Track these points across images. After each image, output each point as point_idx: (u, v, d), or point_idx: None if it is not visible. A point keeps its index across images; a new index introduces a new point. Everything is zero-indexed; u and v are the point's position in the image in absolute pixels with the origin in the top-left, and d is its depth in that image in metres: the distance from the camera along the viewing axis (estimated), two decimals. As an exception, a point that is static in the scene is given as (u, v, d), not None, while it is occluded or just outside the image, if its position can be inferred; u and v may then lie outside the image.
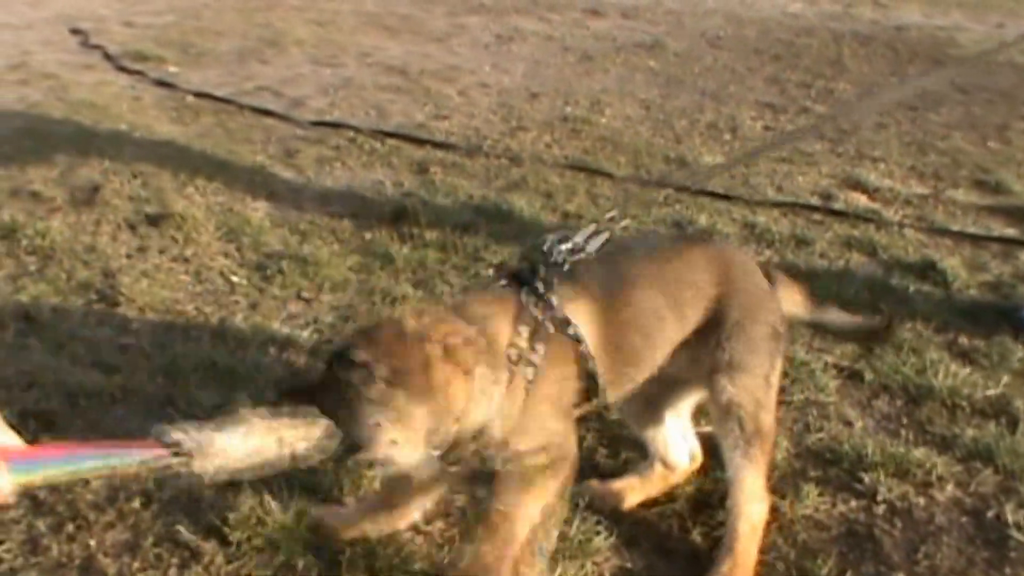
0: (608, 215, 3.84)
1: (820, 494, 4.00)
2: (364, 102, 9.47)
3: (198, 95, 9.30)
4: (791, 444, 4.29)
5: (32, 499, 3.76)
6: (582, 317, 3.36)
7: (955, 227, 7.01)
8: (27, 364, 4.62)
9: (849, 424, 4.55)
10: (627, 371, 3.52)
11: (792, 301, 3.95)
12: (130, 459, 2.78)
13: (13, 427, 4.11)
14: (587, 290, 3.43)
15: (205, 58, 10.87)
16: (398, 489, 3.60)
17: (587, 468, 3.90)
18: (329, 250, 5.91)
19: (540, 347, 3.24)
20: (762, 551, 3.65)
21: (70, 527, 3.63)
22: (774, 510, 3.78)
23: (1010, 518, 3.97)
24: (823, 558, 3.66)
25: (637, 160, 8.03)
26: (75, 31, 11.56)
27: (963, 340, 5.34)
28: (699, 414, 4.34)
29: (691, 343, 3.61)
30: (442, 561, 3.57)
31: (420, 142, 8.16)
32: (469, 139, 8.37)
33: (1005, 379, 4.94)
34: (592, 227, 3.60)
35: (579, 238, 3.54)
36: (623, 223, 3.67)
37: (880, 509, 3.97)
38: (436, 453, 3.13)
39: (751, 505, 3.59)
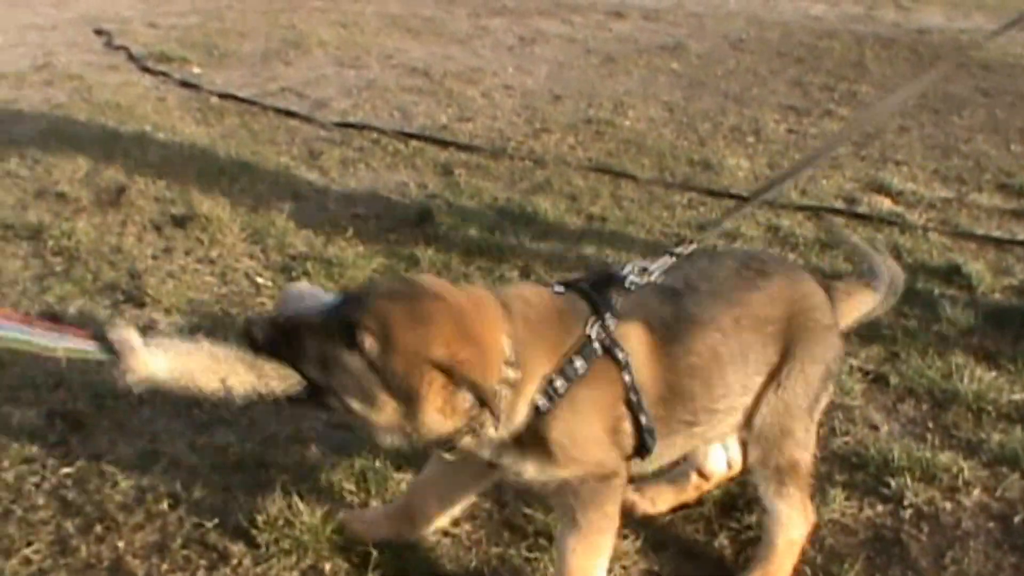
0: (683, 246, 3.58)
1: (847, 498, 4.00)
2: (388, 104, 9.48)
3: (222, 96, 9.32)
4: (817, 448, 4.26)
5: (61, 500, 3.78)
6: (635, 347, 3.22)
7: (979, 231, 7.00)
8: (53, 365, 4.60)
9: (875, 428, 4.56)
10: (681, 416, 3.35)
11: (853, 307, 3.80)
12: (57, 344, 2.80)
13: (40, 428, 4.17)
14: (647, 322, 3.28)
15: (229, 59, 10.89)
16: (425, 494, 3.60)
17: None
18: (354, 251, 5.92)
19: (580, 363, 3.13)
20: (789, 556, 3.66)
21: (99, 528, 3.65)
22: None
23: (1037, 523, 3.96)
24: (850, 562, 3.67)
25: (661, 163, 8.03)
26: (99, 32, 11.59)
27: (988, 344, 5.33)
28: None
29: (750, 383, 3.45)
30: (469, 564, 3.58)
31: (444, 144, 8.17)
32: (493, 141, 8.37)
33: (1031, 383, 4.91)
34: (667, 259, 3.46)
35: (652, 266, 3.40)
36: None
37: (907, 514, 3.97)
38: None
39: (789, 529, 3.54)
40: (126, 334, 2.88)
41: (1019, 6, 9.36)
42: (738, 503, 3.92)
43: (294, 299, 3.22)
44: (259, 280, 5.57)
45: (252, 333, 2.99)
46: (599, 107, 9.77)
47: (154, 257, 5.80)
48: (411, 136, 8.33)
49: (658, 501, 3.90)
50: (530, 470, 3.18)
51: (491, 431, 3.07)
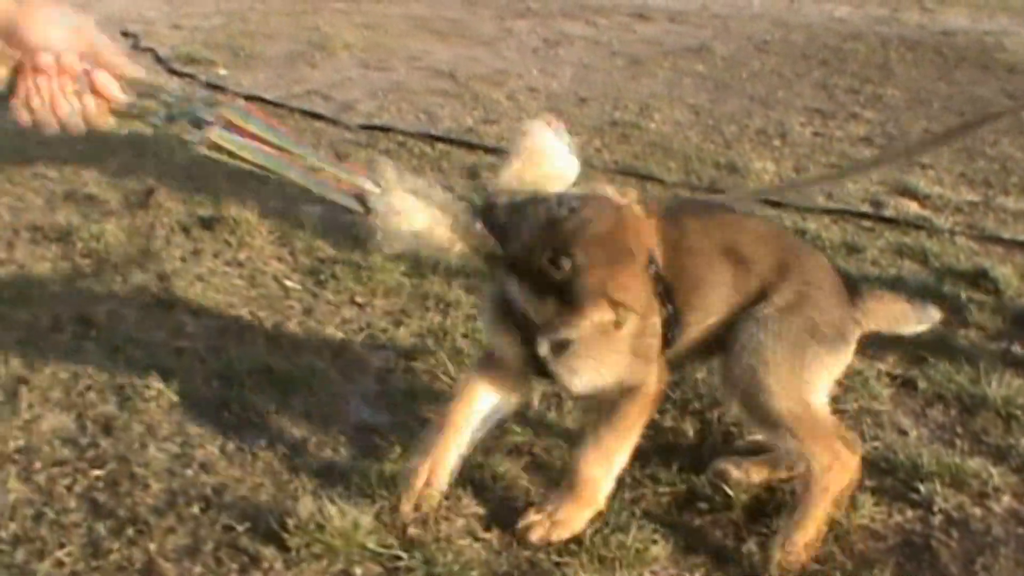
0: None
1: (876, 504, 3.98)
2: (413, 106, 9.50)
3: (248, 98, 9.31)
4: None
5: (92, 503, 3.79)
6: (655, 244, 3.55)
7: (1006, 235, 6.99)
8: (84, 367, 4.64)
9: (904, 433, 4.54)
10: (695, 313, 3.66)
11: (887, 317, 3.98)
12: (319, 187, 3.00)
13: (71, 430, 4.19)
14: (662, 222, 3.60)
15: (254, 61, 10.92)
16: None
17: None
18: (382, 255, 5.91)
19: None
20: (819, 561, 3.67)
21: (130, 531, 3.65)
22: (833, 521, 3.79)
23: (1067, 530, 3.95)
24: (880, 568, 3.65)
25: (687, 166, 8.03)
26: (126, 34, 11.62)
27: (1017, 349, 5.32)
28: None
29: (731, 299, 3.72)
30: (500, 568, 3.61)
31: (470, 147, 8.17)
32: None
33: (1060, 388, 4.90)
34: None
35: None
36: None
37: (937, 520, 3.96)
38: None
39: (817, 477, 3.66)
40: (395, 199, 3.19)
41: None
42: (767, 508, 3.91)
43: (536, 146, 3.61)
44: (287, 283, 5.58)
45: (494, 213, 3.39)
46: (624, 109, 9.78)
47: (183, 260, 5.81)
48: (437, 139, 8.35)
49: (752, 472, 4.04)
50: (574, 380, 3.55)
51: None
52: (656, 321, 3.55)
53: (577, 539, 3.65)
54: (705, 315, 3.69)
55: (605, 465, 3.66)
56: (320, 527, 3.58)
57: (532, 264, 3.29)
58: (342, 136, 8.37)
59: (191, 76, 9.96)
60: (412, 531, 3.69)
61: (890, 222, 7.07)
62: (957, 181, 8.12)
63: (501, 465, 4.07)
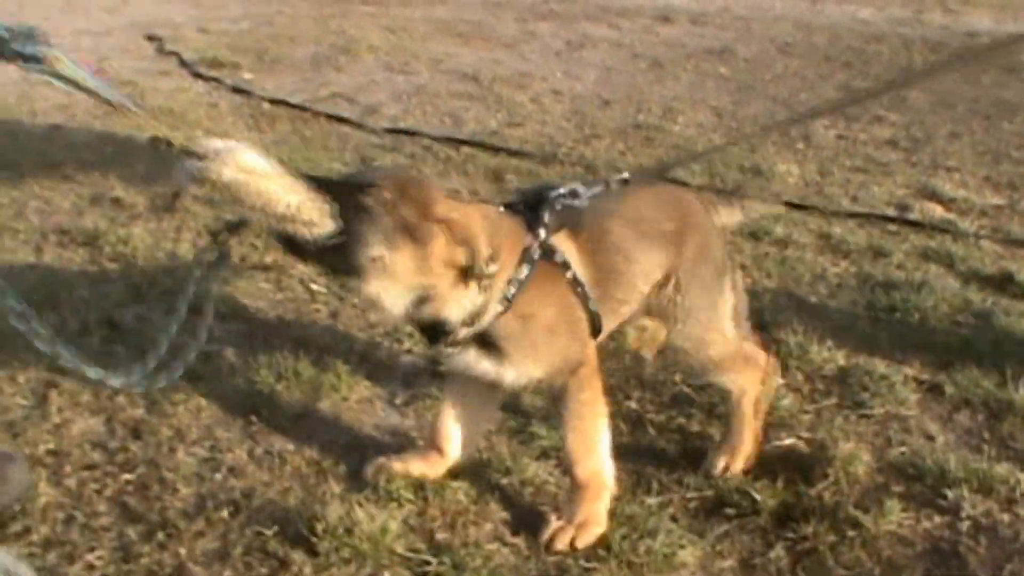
0: (621, 176, 4.08)
1: (904, 510, 3.96)
2: (437, 109, 9.53)
3: (274, 102, 9.38)
4: (873, 458, 4.27)
5: (123, 507, 3.82)
6: (569, 247, 3.70)
7: (1032, 238, 6.98)
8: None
9: (931, 439, 4.52)
10: (615, 296, 3.85)
11: (731, 213, 4.34)
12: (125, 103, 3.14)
13: (101, 434, 4.21)
14: (575, 225, 3.74)
15: (279, 65, 10.96)
16: (448, 425, 4.00)
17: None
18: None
19: (525, 269, 3.56)
20: (847, 567, 3.68)
21: (160, 535, 3.67)
22: (858, 526, 3.81)
23: (1095, 536, 3.94)
24: (908, 575, 3.66)
25: (711, 169, 8.02)
26: (151, 38, 11.67)
27: (1044, 353, 5.31)
28: (776, 428, 4.40)
29: (652, 271, 3.94)
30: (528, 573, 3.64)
31: (495, 150, 8.18)
32: (543, 147, 8.39)
33: (1087, 393, 4.88)
34: (599, 184, 3.93)
35: (582, 190, 3.82)
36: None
37: (964, 526, 3.93)
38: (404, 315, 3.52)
39: (747, 391, 4.14)
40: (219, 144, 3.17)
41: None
42: (795, 513, 3.91)
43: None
44: (313, 287, 5.59)
45: (308, 181, 3.29)
46: (648, 112, 9.79)
47: (209, 264, 5.82)
48: (461, 142, 8.37)
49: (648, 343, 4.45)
50: (508, 375, 3.63)
51: (461, 323, 3.52)
52: (577, 311, 3.72)
53: (605, 544, 3.66)
54: (627, 294, 3.90)
55: (594, 453, 3.78)
56: (349, 531, 3.60)
57: (360, 209, 3.30)
58: (367, 140, 8.39)
59: (216, 80, 10.00)
60: (440, 535, 3.71)
61: (915, 225, 7.05)
62: (982, 184, 8.09)
63: (528, 470, 4.08)
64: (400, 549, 3.60)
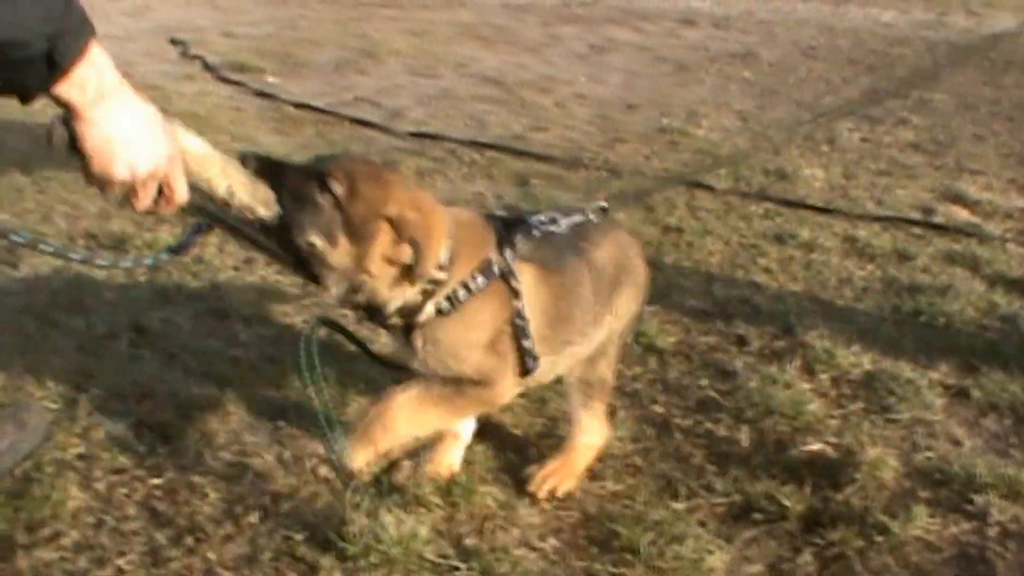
0: (597, 205, 4.13)
1: (931, 515, 3.96)
2: (462, 113, 9.55)
3: (298, 106, 9.40)
4: (900, 463, 4.26)
5: (151, 511, 3.82)
6: (528, 281, 3.69)
7: (1058, 241, 6.96)
8: (140, 375, 4.68)
9: (957, 443, 4.52)
10: (562, 337, 3.84)
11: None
12: None
13: (129, 439, 4.22)
14: (540, 260, 3.75)
15: (304, 69, 11.00)
16: None
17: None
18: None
19: (480, 280, 3.59)
20: (874, 572, 3.67)
21: (189, 540, 3.67)
22: (886, 531, 3.81)
23: (1123, 541, 3.93)
24: (936, 580, 3.67)
25: (736, 172, 8.02)
26: (175, 42, 11.70)
27: (1071, 357, 5.29)
28: (803, 433, 4.39)
29: (601, 314, 3.96)
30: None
31: (519, 154, 8.19)
32: (568, 151, 8.41)
33: (1115, 398, 4.87)
34: (578, 216, 3.97)
35: (563, 220, 3.89)
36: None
37: (992, 531, 3.93)
38: (341, 297, 3.59)
39: (588, 434, 4.14)
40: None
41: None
42: (822, 518, 3.91)
43: None
44: (340, 292, 5.60)
45: (246, 163, 3.34)
46: (672, 116, 9.81)
47: (235, 268, 5.84)
48: (486, 146, 8.39)
49: None
50: (429, 363, 3.63)
51: (394, 312, 3.57)
52: (508, 330, 3.69)
53: (633, 549, 3.67)
54: (572, 337, 3.88)
55: (409, 419, 3.66)
56: (377, 536, 3.59)
57: (308, 198, 3.37)
58: (392, 144, 8.41)
59: (241, 84, 10.03)
60: (469, 541, 3.71)
61: (940, 229, 7.04)
62: (1007, 187, 8.09)
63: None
64: (429, 554, 3.60)
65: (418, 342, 3.61)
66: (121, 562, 3.57)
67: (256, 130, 8.58)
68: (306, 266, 3.51)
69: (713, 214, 7.06)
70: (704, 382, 4.77)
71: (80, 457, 4.10)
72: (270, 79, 10.42)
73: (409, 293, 3.51)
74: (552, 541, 3.78)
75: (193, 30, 12.47)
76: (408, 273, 3.46)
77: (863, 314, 5.67)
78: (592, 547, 3.75)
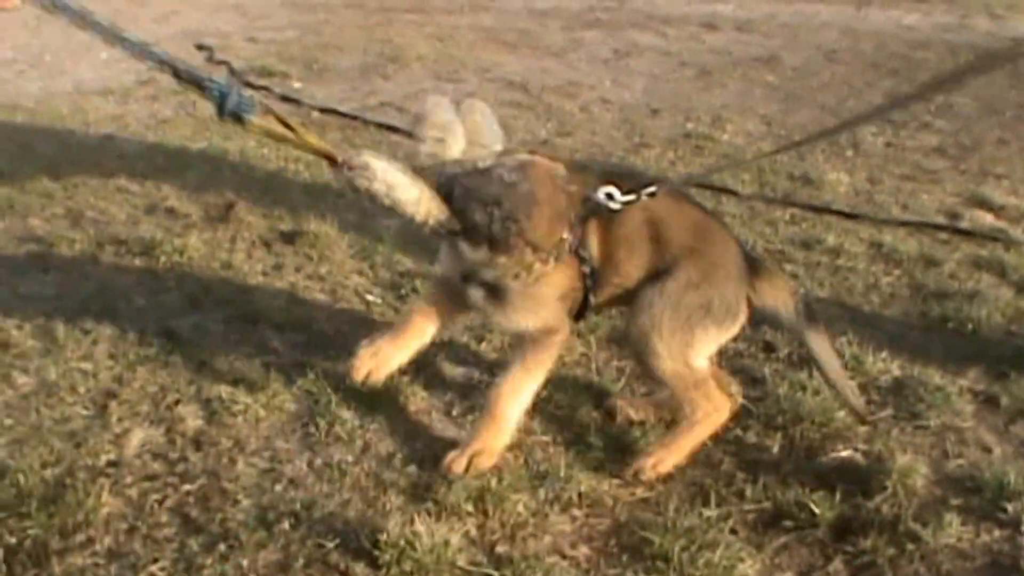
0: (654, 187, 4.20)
1: (963, 523, 3.94)
2: (487, 118, 9.54)
3: (323, 111, 9.43)
4: (930, 471, 4.25)
5: (184, 517, 3.84)
6: (592, 240, 4.14)
7: (1085, 247, 6.94)
8: (171, 381, 4.70)
9: (988, 451, 4.51)
10: (612, 279, 4.22)
11: (774, 298, 4.36)
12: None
13: (161, 444, 4.24)
14: (600, 217, 4.12)
15: (328, 73, 11.02)
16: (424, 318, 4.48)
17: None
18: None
19: (554, 261, 4.05)
20: (906, 580, 3.67)
21: (222, 546, 3.69)
22: (917, 539, 3.81)
23: None
24: (968, 588, 3.67)
25: (761, 178, 8.01)
26: (200, 47, 11.73)
27: (1099, 364, 5.28)
28: (833, 440, 4.40)
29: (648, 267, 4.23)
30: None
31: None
32: (594, 156, 8.39)
33: None
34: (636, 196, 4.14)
35: (623, 197, 4.10)
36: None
37: (1025, 539, 3.94)
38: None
39: (694, 417, 4.28)
40: (367, 157, 3.92)
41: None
42: (853, 526, 3.91)
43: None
44: (369, 298, 5.62)
45: (454, 190, 3.98)
46: (697, 121, 9.79)
47: (264, 274, 5.87)
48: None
49: (640, 411, 4.60)
50: (505, 319, 4.20)
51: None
52: (573, 282, 4.17)
53: (665, 557, 3.67)
54: (622, 281, 4.23)
55: (516, 400, 4.21)
56: (411, 544, 3.60)
57: (482, 231, 3.95)
58: (418, 148, 8.37)
59: (266, 89, 10.05)
60: (501, 548, 3.72)
61: (966, 234, 7.03)
62: (1032, 192, 8.06)
63: (586, 482, 4.10)
64: (462, 562, 3.61)
65: (503, 297, 4.10)
66: (154, 568, 3.60)
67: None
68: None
69: (738, 219, 7.05)
70: (734, 389, 4.77)
71: (112, 464, 4.13)
72: (295, 84, 10.45)
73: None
74: (584, 549, 3.79)
75: (218, 35, 12.49)
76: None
77: (890, 320, 5.66)
78: (623, 554, 3.76)
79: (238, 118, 4.15)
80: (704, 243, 4.23)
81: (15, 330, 5.06)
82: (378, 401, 4.58)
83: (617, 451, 4.33)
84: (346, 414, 4.49)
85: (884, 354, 5.15)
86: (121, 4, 13.46)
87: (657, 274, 4.18)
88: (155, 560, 3.63)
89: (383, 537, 3.63)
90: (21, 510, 3.76)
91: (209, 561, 3.63)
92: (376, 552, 3.60)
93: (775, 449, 4.39)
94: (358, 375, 4.22)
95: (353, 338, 4.96)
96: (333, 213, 6.65)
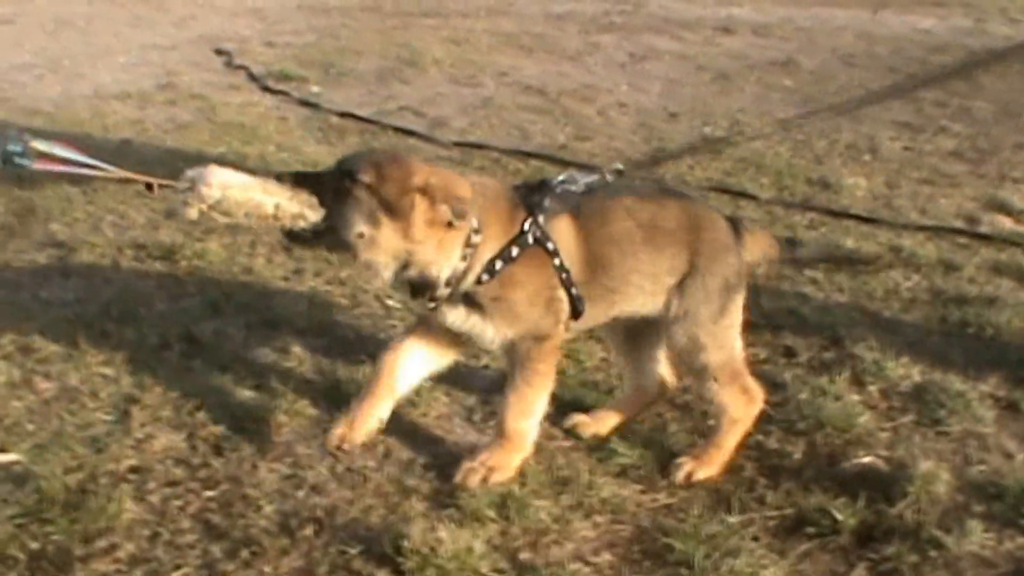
0: (614, 166, 4.48)
1: (985, 530, 3.93)
2: (504, 122, 9.57)
3: (342, 115, 9.44)
4: (953, 477, 4.24)
5: (206, 524, 3.85)
6: (563, 233, 4.10)
7: (1106, 251, 6.91)
8: (193, 386, 4.71)
9: (1010, 457, 4.49)
10: (602, 281, 4.19)
11: (761, 248, 4.51)
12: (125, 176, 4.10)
13: (183, 451, 4.25)
14: (572, 210, 4.14)
15: (346, 78, 11.04)
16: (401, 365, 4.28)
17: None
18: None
19: (515, 250, 4.00)
20: (928, 587, 3.66)
21: (245, 553, 3.69)
22: (940, 546, 3.79)
23: None
24: (991, 596, 3.66)
25: (779, 182, 8.01)
26: (219, 52, 11.76)
27: (1121, 369, 5.26)
28: (854, 446, 4.39)
29: (660, 279, 4.25)
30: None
31: (564, 163, 8.15)
32: (612, 160, 8.37)
33: None
34: (595, 175, 4.35)
35: (581, 178, 4.28)
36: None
37: (1047, 547, 3.92)
38: (393, 278, 3.99)
39: (729, 410, 4.30)
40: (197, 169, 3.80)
41: None
42: (876, 533, 3.90)
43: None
44: (388, 302, 5.62)
45: (282, 180, 3.83)
46: (714, 124, 9.80)
47: (285, 278, 5.88)
48: (530, 155, 8.41)
49: (606, 422, 4.57)
50: (488, 332, 4.07)
51: (444, 282, 3.96)
52: (547, 280, 4.09)
53: (688, 563, 3.67)
54: (615, 283, 4.21)
55: (528, 415, 4.16)
56: (433, 550, 3.60)
57: (345, 193, 3.81)
58: (436, 153, 8.42)
59: (285, 93, 10.08)
60: (523, 555, 3.72)
61: (985, 239, 7.00)
62: (1052, 196, 8.03)
63: (608, 488, 4.10)
64: (485, 569, 3.61)
65: (481, 307, 4.01)
66: (177, 575, 3.60)
67: (301, 140, 8.63)
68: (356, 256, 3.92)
69: (758, 224, 7.02)
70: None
71: (134, 469, 4.14)
72: (314, 88, 10.48)
73: (454, 258, 3.93)
74: (606, 555, 3.79)
75: (236, 40, 12.54)
76: (450, 227, 3.87)
77: (910, 325, 5.65)
78: (646, 561, 3.76)
79: (16, 165, 4.14)
80: (699, 229, 4.28)
81: (37, 335, 5.08)
82: (400, 407, 4.57)
83: (643, 457, 4.34)
84: (369, 419, 4.49)
85: (904, 359, 5.15)
86: (141, 9, 13.52)
87: (662, 273, 4.23)
88: (178, 567, 3.64)
89: (406, 543, 3.63)
90: (44, 516, 3.78)
91: (232, 567, 3.64)
92: (399, 558, 3.60)
93: (797, 455, 4.39)
94: (330, 442, 4.09)
95: (373, 343, 4.99)
96: (352, 218, 6.64)
